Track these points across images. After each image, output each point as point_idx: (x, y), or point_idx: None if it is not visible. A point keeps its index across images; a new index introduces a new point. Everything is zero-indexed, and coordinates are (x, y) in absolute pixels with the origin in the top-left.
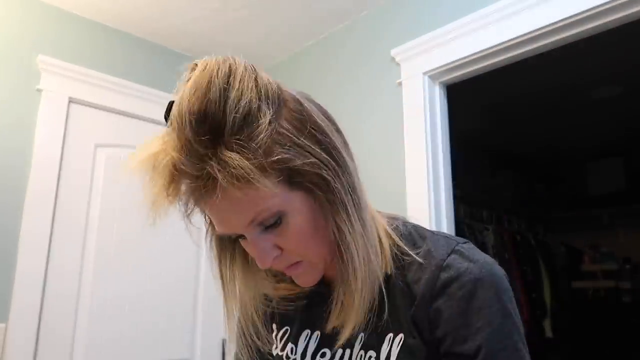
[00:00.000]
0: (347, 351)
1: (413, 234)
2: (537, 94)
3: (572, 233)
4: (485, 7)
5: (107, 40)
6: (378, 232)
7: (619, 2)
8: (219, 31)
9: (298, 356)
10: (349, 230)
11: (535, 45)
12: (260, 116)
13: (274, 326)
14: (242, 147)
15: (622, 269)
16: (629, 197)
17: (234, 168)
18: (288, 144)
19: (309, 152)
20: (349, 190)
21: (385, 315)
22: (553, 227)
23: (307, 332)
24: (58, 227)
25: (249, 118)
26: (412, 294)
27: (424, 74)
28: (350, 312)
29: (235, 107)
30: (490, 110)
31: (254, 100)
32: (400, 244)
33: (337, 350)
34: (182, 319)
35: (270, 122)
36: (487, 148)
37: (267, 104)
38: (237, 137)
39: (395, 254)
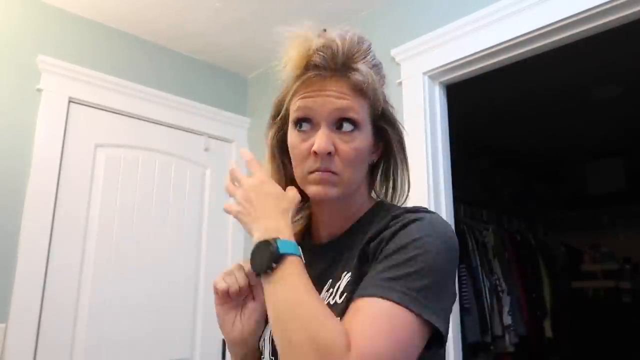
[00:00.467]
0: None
1: (395, 206)
2: (537, 94)
3: (572, 233)
4: (485, 8)
5: (107, 40)
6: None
7: (619, 2)
8: (219, 31)
9: None
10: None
11: (535, 45)
12: (382, 68)
13: None
14: (372, 71)
15: (622, 269)
16: (629, 197)
17: (364, 75)
18: (388, 104)
19: (392, 116)
20: (399, 154)
21: (345, 259)
22: (553, 227)
23: None
24: (58, 227)
25: (378, 66)
26: (365, 237)
27: (424, 74)
28: None
29: (373, 56)
30: (490, 110)
31: (377, 59)
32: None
33: None
34: (182, 319)
35: (383, 77)
36: (487, 148)
37: (382, 67)
38: (372, 67)
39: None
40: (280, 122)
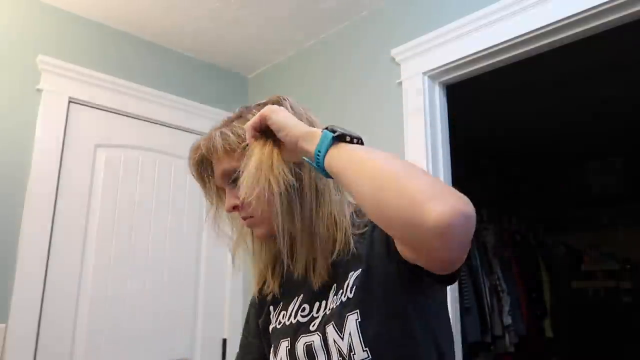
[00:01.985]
0: (323, 302)
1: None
2: (537, 94)
3: (572, 233)
4: (485, 7)
5: (107, 40)
6: (335, 215)
7: (619, 2)
8: (219, 31)
9: (286, 319)
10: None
11: (535, 45)
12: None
13: (271, 308)
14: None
15: (622, 269)
16: (629, 197)
17: (212, 139)
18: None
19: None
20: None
21: (351, 261)
22: (553, 227)
23: (295, 299)
24: (58, 227)
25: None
26: (365, 242)
27: (424, 74)
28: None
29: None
30: (490, 110)
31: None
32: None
33: (314, 303)
34: (182, 319)
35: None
36: (487, 148)
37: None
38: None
39: (352, 228)
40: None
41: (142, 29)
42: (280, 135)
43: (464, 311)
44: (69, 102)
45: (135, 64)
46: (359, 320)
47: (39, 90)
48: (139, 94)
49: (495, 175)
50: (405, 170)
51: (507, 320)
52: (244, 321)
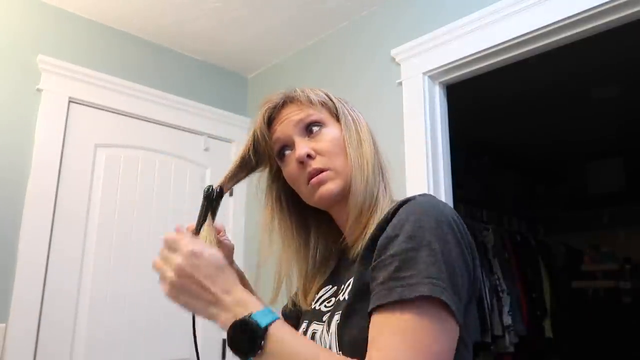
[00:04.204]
0: (339, 297)
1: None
2: (537, 94)
3: (572, 233)
4: (485, 7)
5: (107, 40)
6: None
7: (619, 2)
8: (219, 31)
9: (317, 304)
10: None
11: (535, 45)
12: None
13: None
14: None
15: (622, 269)
16: (629, 197)
17: (303, 92)
18: (333, 98)
19: (347, 108)
20: (363, 138)
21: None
22: (553, 227)
23: (329, 286)
24: (58, 227)
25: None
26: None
27: (424, 74)
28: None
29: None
30: (490, 110)
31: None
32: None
33: (332, 288)
34: (182, 319)
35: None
36: (487, 148)
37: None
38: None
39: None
40: (273, 176)
41: (143, 29)
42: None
43: None
44: (69, 102)
45: (136, 64)
46: (339, 321)
47: (39, 90)
48: (139, 94)
49: (495, 176)
50: None
51: (507, 320)
52: None
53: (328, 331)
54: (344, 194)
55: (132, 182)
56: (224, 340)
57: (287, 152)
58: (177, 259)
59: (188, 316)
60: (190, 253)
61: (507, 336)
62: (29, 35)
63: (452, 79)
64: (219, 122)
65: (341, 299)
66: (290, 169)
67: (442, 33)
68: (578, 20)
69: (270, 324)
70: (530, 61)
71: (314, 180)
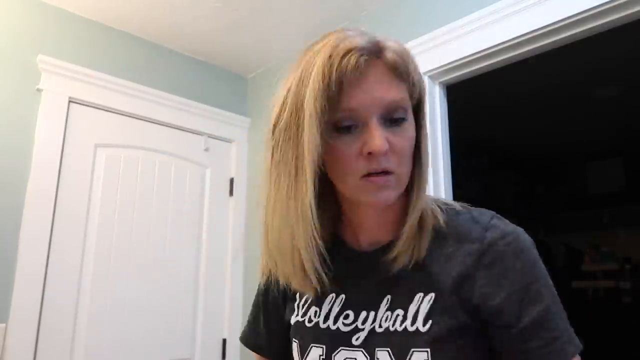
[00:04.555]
0: (372, 313)
1: (454, 206)
2: (537, 94)
3: (572, 233)
4: (485, 7)
5: (108, 40)
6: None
7: (619, 2)
8: (219, 31)
9: (321, 319)
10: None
11: (535, 45)
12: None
13: (297, 295)
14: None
15: (622, 269)
16: (629, 197)
17: (401, 55)
18: (423, 83)
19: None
20: (428, 143)
21: (418, 277)
22: (553, 227)
23: (332, 296)
24: (58, 227)
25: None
26: (455, 257)
27: (424, 74)
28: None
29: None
30: (490, 110)
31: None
32: (439, 215)
33: (361, 312)
34: (182, 319)
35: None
36: (487, 148)
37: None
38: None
39: (437, 223)
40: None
41: (143, 29)
42: None
43: None
44: (69, 102)
45: (136, 64)
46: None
47: (39, 90)
48: (139, 94)
49: (494, 176)
50: None
51: None
52: (243, 321)
53: None
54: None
55: (132, 182)
56: (224, 340)
57: (349, 127)
58: None
59: (188, 316)
60: None
61: None
62: (29, 35)
63: (452, 79)
64: (219, 122)
65: (411, 329)
66: (347, 150)
67: (442, 33)
68: (578, 20)
69: None
70: (530, 61)
71: (378, 180)
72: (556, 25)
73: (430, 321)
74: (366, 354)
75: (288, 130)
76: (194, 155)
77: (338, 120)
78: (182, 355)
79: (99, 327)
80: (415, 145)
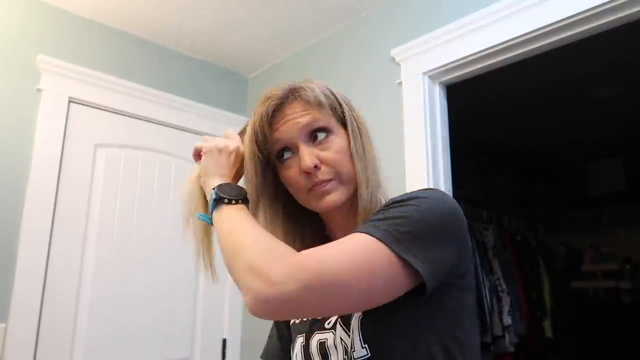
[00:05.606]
0: None
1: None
2: (537, 94)
3: (572, 233)
4: (485, 8)
5: (108, 40)
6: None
7: (619, 2)
8: (218, 31)
9: None
10: (361, 159)
11: (535, 45)
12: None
13: None
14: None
15: (622, 269)
16: (629, 197)
17: (312, 90)
18: (340, 100)
19: (352, 110)
20: (367, 145)
21: None
22: (553, 227)
23: None
24: (58, 227)
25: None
26: None
27: (424, 74)
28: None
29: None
30: (490, 110)
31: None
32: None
33: None
34: (182, 319)
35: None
36: (487, 148)
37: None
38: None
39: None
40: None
41: (142, 29)
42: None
43: None
44: (69, 102)
45: (135, 63)
46: (361, 316)
47: (39, 90)
48: (139, 94)
49: (495, 176)
50: (240, 251)
51: (507, 320)
52: (243, 321)
53: (348, 334)
54: (344, 202)
55: (132, 182)
56: (224, 340)
57: (288, 155)
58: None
59: (187, 316)
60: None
61: (507, 336)
62: (29, 35)
63: (452, 79)
64: (219, 122)
65: None
66: (290, 173)
67: (442, 33)
68: (578, 20)
69: (226, 200)
70: (530, 61)
71: (319, 189)
72: (556, 25)
73: None
74: (334, 333)
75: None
76: None
77: (276, 153)
78: (181, 355)
79: (98, 327)
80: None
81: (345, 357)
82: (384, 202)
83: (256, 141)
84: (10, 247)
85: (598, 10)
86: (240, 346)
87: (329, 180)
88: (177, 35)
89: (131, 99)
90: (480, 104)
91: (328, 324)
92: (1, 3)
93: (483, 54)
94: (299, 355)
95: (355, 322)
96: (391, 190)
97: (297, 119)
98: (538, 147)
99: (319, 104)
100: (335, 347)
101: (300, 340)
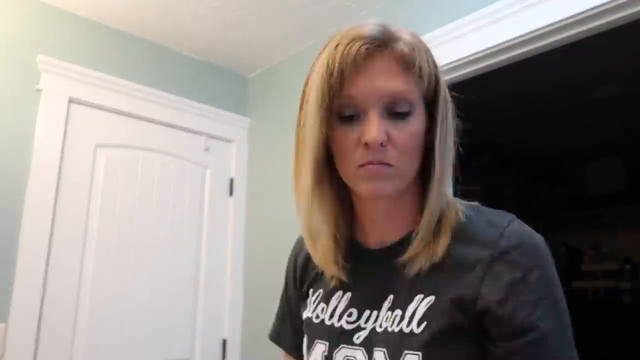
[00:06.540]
0: (375, 312)
1: (475, 206)
2: (537, 94)
3: (572, 233)
4: (485, 7)
5: (108, 40)
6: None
7: (619, 2)
8: (218, 31)
9: (327, 315)
10: (438, 160)
11: (535, 45)
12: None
13: (310, 291)
14: (422, 49)
15: (622, 269)
16: (629, 197)
17: (414, 48)
18: (439, 75)
19: (447, 102)
20: (450, 138)
21: (423, 278)
22: (553, 227)
23: (339, 293)
24: (58, 227)
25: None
26: (465, 262)
27: None
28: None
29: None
30: (490, 110)
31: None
32: (460, 214)
33: (364, 311)
34: (182, 319)
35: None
36: (487, 147)
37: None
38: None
39: (455, 224)
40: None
41: (142, 29)
42: None
43: None
44: (69, 102)
45: (135, 63)
46: (421, 354)
47: (39, 90)
48: (139, 94)
49: (494, 175)
50: None
51: None
52: (243, 321)
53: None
54: (392, 197)
55: (132, 182)
56: (224, 340)
57: (351, 116)
58: None
59: (188, 316)
60: None
61: None
62: (29, 35)
63: (453, 79)
64: (219, 122)
65: (406, 331)
66: (348, 138)
67: (442, 33)
68: (578, 20)
69: None
70: (530, 61)
71: (371, 168)
72: (556, 26)
73: (424, 322)
74: (365, 353)
75: (299, 115)
76: (194, 155)
77: (340, 109)
78: (182, 355)
79: (99, 327)
80: (432, 141)
81: None
82: (452, 213)
83: (329, 83)
84: (10, 246)
85: (598, 10)
86: (241, 347)
87: (389, 165)
88: (177, 35)
89: (131, 99)
90: (480, 104)
91: (357, 338)
92: (1, 3)
93: (483, 53)
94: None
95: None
96: None
97: (383, 81)
98: (538, 147)
99: (419, 70)
100: None
101: (321, 349)
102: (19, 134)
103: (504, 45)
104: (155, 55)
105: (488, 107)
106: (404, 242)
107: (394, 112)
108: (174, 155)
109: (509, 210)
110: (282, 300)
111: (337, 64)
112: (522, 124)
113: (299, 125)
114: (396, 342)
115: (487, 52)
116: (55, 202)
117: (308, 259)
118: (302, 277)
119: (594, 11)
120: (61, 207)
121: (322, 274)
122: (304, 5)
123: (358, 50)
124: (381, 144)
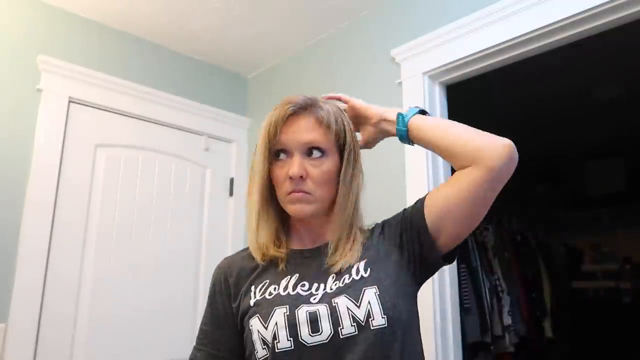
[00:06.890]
0: (322, 284)
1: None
2: (537, 94)
3: (572, 233)
4: (485, 8)
5: (108, 40)
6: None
7: (619, 2)
8: (219, 31)
9: (281, 290)
10: (345, 192)
11: (535, 45)
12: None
13: (252, 287)
14: (332, 113)
15: (622, 269)
16: (629, 197)
17: (327, 112)
18: (347, 129)
19: (353, 139)
20: (356, 173)
21: (354, 258)
22: (553, 227)
23: (287, 276)
24: (58, 228)
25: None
26: (373, 237)
27: (424, 74)
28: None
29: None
30: (490, 110)
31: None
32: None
33: (313, 283)
34: (182, 320)
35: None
36: None
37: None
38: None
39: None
40: (268, 159)
41: (142, 29)
42: (367, 112)
43: (463, 311)
44: (69, 102)
45: (135, 64)
46: (378, 293)
47: (39, 90)
48: (139, 94)
49: None
50: (475, 130)
51: (507, 320)
52: None
53: (357, 305)
54: (314, 215)
55: (132, 182)
56: None
57: (282, 157)
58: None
59: (188, 316)
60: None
61: (507, 336)
62: (29, 35)
63: (452, 79)
64: (219, 122)
65: (356, 278)
66: (279, 173)
67: (442, 33)
68: (578, 20)
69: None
70: (530, 61)
71: (294, 195)
72: (556, 25)
73: (369, 269)
74: (327, 306)
75: (254, 153)
76: (194, 155)
77: (275, 151)
78: (181, 355)
79: (98, 326)
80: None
81: (354, 324)
82: (357, 227)
83: (268, 133)
84: (10, 246)
85: (598, 10)
86: None
87: (307, 193)
88: (177, 36)
89: (131, 99)
90: (481, 104)
91: (314, 299)
92: (1, 3)
93: (483, 54)
94: (281, 321)
95: (371, 297)
96: (392, 190)
97: (303, 132)
98: (538, 146)
99: (328, 127)
100: (330, 317)
101: (282, 311)
102: (19, 134)
103: (503, 45)
104: (156, 56)
105: (488, 107)
106: (329, 245)
107: (311, 153)
108: (174, 155)
109: (509, 210)
110: (211, 315)
111: (274, 119)
112: (522, 124)
113: (253, 159)
114: (353, 286)
115: (487, 52)
116: (55, 202)
117: (239, 274)
118: (235, 293)
119: (594, 11)
120: (61, 207)
121: (263, 271)
122: (304, 5)
123: (287, 111)
124: (301, 177)
